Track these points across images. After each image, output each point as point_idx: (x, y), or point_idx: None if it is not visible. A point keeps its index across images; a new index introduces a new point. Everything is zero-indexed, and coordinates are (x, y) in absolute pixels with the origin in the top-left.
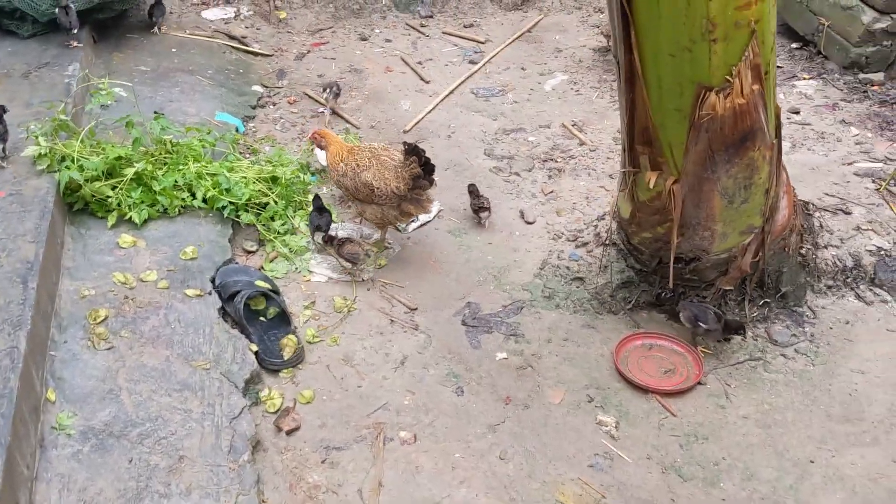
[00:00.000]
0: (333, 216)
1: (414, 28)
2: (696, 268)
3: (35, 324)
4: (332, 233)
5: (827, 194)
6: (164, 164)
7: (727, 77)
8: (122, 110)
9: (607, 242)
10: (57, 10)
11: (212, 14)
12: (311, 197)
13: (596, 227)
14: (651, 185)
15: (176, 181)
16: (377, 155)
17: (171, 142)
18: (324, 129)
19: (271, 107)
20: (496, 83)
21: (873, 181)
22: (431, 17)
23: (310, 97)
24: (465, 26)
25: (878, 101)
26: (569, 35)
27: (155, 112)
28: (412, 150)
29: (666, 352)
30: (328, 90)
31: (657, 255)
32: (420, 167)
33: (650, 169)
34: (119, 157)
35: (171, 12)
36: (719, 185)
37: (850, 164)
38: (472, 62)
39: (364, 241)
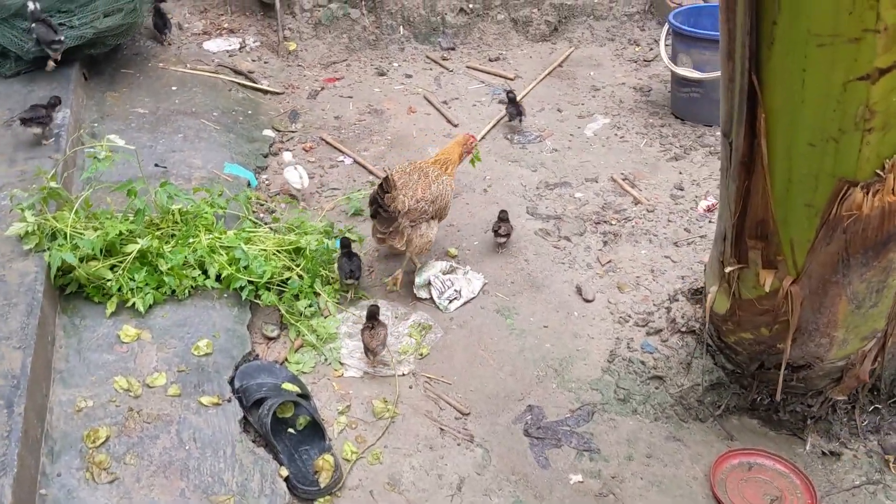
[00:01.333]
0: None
1: (435, 62)
2: (805, 376)
3: (22, 461)
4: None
5: None
6: (172, 235)
7: (878, 172)
8: (120, 164)
9: (685, 330)
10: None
11: (214, 45)
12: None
13: (668, 309)
14: (766, 286)
15: (186, 258)
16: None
17: (179, 211)
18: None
19: (285, 154)
20: (532, 127)
21: None
22: (454, 49)
23: (328, 143)
24: (490, 60)
25: None
26: (604, 70)
27: (157, 164)
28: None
29: (769, 473)
30: None
31: (758, 357)
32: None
33: (762, 266)
34: (120, 233)
35: (169, 44)
36: (849, 290)
37: None
38: (503, 102)
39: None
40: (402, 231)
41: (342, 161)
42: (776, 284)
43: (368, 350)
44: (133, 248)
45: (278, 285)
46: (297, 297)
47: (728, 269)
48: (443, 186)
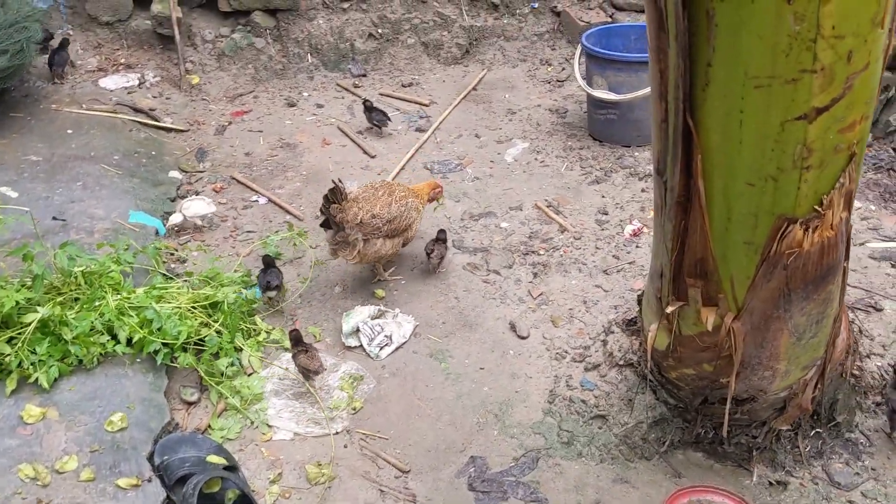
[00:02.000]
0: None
1: (347, 89)
2: (749, 408)
3: None
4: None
5: (849, 285)
6: (75, 300)
7: (816, 207)
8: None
9: (623, 363)
10: None
11: (111, 82)
12: (256, 323)
13: (605, 342)
14: (708, 325)
15: (92, 324)
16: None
17: (82, 273)
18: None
19: (193, 196)
20: (451, 155)
21: (892, 265)
22: (365, 75)
23: (239, 182)
24: (403, 85)
25: (871, 166)
26: (519, 93)
27: (55, 217)
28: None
29: None
30: None
31: (701, 392)
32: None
33: (703, 304)
34: (17, 304)
35: (62, 82)
36: (790, 324)
37: (861, 244)
38: (420, 129)
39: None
40: (352, 243)
41: (256, 201)
42: (717, 321)
43: (310, 372)
44: (33, 318)
45: (196, 344)
46: (216, 356)
47: (669, 310)
48: (405, 209)
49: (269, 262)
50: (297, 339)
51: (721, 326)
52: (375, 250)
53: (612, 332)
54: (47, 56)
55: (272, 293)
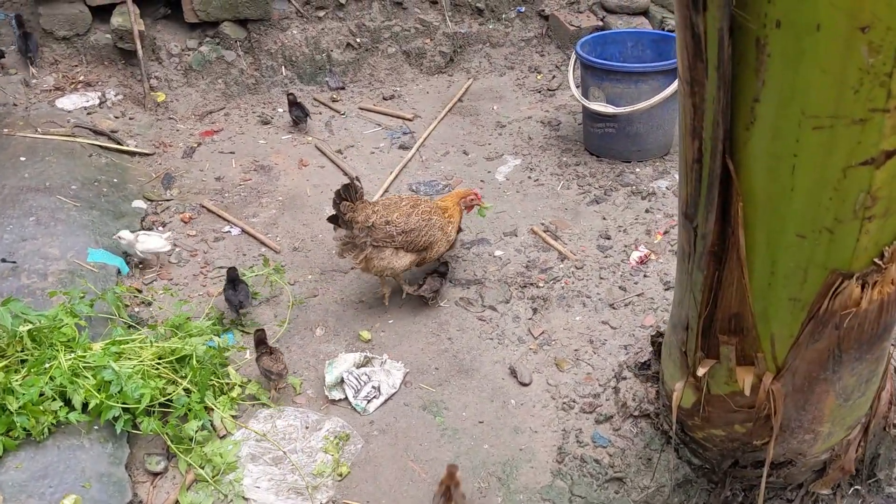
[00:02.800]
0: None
1: (324, 104)
2: (786, 472)
3: None
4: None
5: None
6: (22, 362)
7: (876, 261)
8: None
9: (637, 414)
10: None
11: (69, 102)
12: (230, 375)
13: (616, 389)
14: (746, 388)
15: (42, 389)
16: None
17: (29, 333)
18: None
19: (160, 228)
20: (438, 175)
21: None
22: (343, 88)
23: (210, 211)
24: (384, 98)
25: None
26: (507, 103)
27: (4, 259)
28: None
29: None
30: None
31: (731, 454)
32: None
33: (737, 362)
34: None
35: (14, 104)
36: (838, 386)
37: None
38: (403, 147)
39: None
40: (360, 247)
41: (228, 231)
42: (754, 382)
43: (273, 374)
44: None
45: (162, 405)
46: (185, 418)
47: (701, 372)
48: (426, 224)
49: (233, 277)
50: (260, 340)
51: (758, 387)
52: (386, 262)
53: (625, 378)
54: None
55: (244, 311)
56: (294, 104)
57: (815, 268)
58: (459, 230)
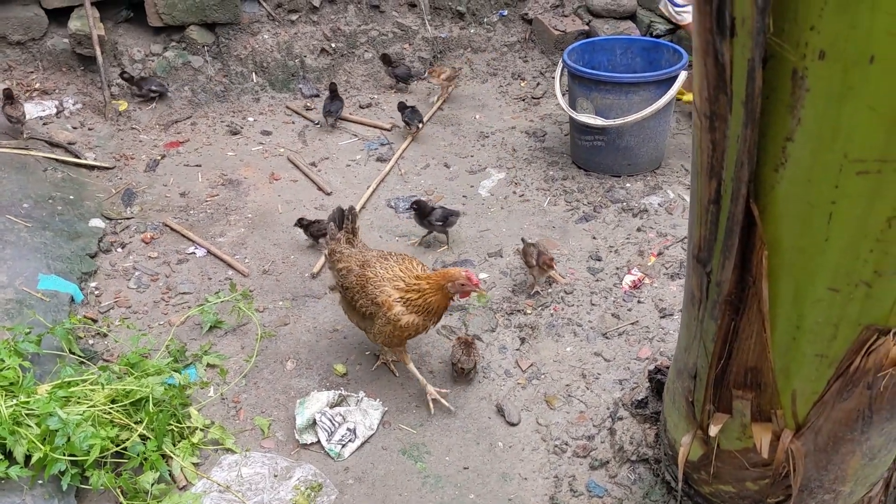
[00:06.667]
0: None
1: (297, 112)
2: None
3: None
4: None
5: None
6: None
7: None
8: None
9: (635, 459)
10: None
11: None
12: (191, 416)
13: (612, 431)
14: (763, 450)
15: None
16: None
17: None
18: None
19: (119, 250)
20: (418, 189)
21: None
22: (317, 95)
23: (173, 230)
24: (361, 106)
25: None
26: (490, 112)
27: None
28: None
29: None
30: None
31: None
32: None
33: (752, 418)
34: None
35: None
36: (865, 446)
37: None
38: (381, 159)
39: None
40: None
41: (193, 253)
42: (772, 440)
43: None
44: None
45: (115, 455)
46: (140, 469)
47: (714, 431)
48: (363, 290)
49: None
50: (467, 343)
51: (776, 445)
52: (344, 307)
53: (620, 418)
54: None
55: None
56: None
57: (847, 323)
58: (439, 319)
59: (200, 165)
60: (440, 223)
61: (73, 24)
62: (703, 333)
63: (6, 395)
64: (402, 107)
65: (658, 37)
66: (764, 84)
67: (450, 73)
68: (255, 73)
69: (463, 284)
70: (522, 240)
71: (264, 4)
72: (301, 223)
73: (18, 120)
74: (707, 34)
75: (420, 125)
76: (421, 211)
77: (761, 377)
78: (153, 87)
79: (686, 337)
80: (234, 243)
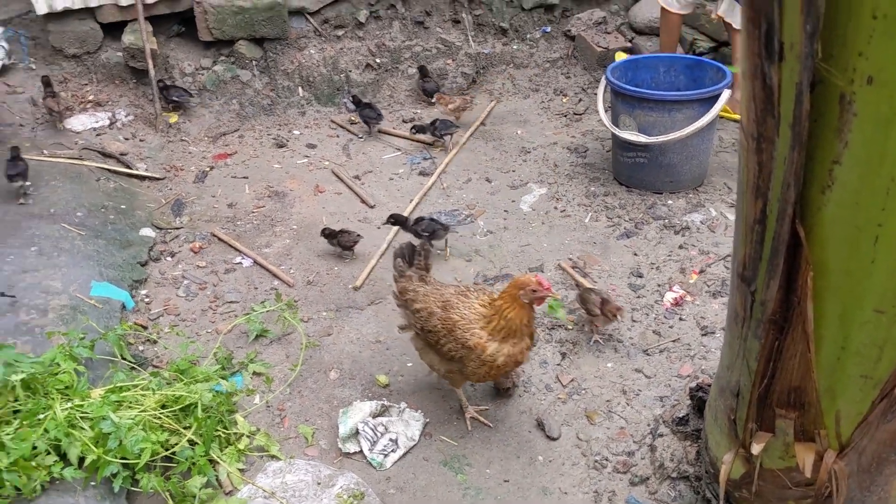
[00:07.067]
0: None
1: (342, 126)
2: None
3: None
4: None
5: None
6: (15, 412)
7: None
8: None
9: (676, 476)
10: None
11: (79, 123)
12: (238, 423)
13: (652, 448)
14: (806, 469)
15: (35, 444)
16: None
17: (22, 382)
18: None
19: (168, 259)
20: (460, 204)
21: None
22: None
23: (221, 240)
24: (404, 121)
25: None
26: (532, 128)
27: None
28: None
29: None
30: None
31: None
32: None
33: (795, 438)
34: None
35: (21, 125)
36: None
37: None
38: (424, 173)
39: None
40: (401, 313)
41: (240, 262)
42: (815, 459)
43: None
44: None
45: (164, 459)
46: (188, 473)
47: (756, 449)
48: (447, 332)
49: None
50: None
51: (819, 465)
52: (421, 352)
53: (661, 435)
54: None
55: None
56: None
57: (893, 345)
58: (531, 339)
59: (247, 177)
60: (427, 234)
61: (127, 37)
62: (747, 352)
63: (61, 399)
64: (419, 129)
65: (701, 54)
66: (811, 108)
67: (459, 102)
68: (301, 87)
69: (535, 290)
70: (578, 285)
71: (311, 20)
72: (325, 233)
73: (60, 114)
74: (755, 58)
75: (449, 137)
76: (398, 223)
77: (805, 397)
78: (175, 97)
79: (729, 355)
80: (279, 254)
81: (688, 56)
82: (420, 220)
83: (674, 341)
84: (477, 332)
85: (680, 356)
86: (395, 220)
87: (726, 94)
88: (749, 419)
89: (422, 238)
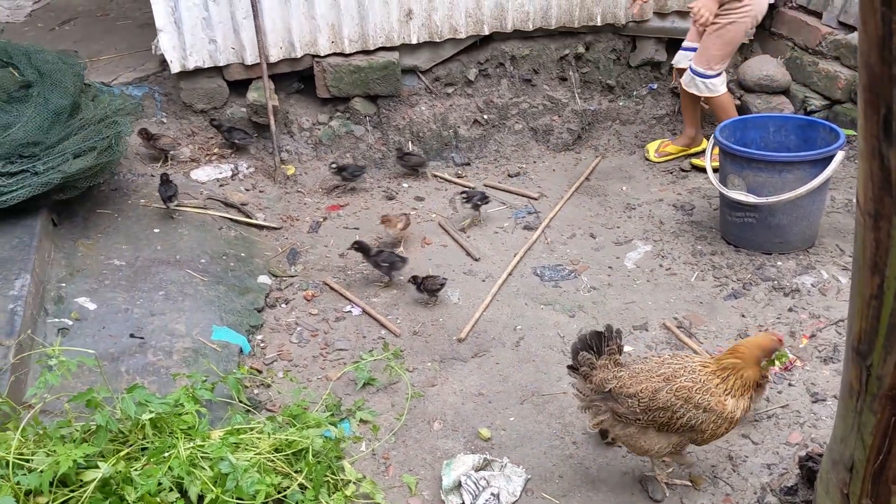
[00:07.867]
0: None
1: (448, 180)
2: None
3: None
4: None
5: None
6: (143, 450)
7: None
8: (90, 334)
9: None
10: None
11: (203, 174)
12: (345, 469)
13: None
14: None
15: (160, 481)
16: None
17: (151, 422)
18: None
19: (283, 305)
20: (564, 259)
21: None
22: (468, 164)
23: (332, 289)
24: (510, 175)
25: None
26: (637, 184)
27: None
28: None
29: None
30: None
31: None
32: None
33: None
34: (75, 462)
35: (151, 175)
36: None
37: None
38: (528, 227)
39: None
40: (593, 409)
41: (349, 311)
42: None
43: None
44: (93, 477)
45: (275, 501)
46: None
47: (842, 491)
48: (683, 402)
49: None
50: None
51: None
52: (633, 440)
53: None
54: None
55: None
56: (232, 129)
57: None
58: (760, 387)
59: (358, 228)
60: (386, 265)
61: (251, 94)
62: (861, 426)
63: (184, 439)
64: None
65: (812, 113)
66: None
67: (406, 221)
68: (412, 142)
69: (774, 349)
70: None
71: (423, 78)
72: (411, 280)
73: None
74: (873, 139)
75: (479, 207)
76: (361, 250)
77: None
78: (237, 140)
79: (842, 427)
80: (387, 304)
81: (799, 116)
82: (381, 251)
83: (782, 407)
84: (712, 390)
85: (789, 423)
86: (359, 246)
87: (840, 156)
88: (863, 495)
89: (381, 269)
